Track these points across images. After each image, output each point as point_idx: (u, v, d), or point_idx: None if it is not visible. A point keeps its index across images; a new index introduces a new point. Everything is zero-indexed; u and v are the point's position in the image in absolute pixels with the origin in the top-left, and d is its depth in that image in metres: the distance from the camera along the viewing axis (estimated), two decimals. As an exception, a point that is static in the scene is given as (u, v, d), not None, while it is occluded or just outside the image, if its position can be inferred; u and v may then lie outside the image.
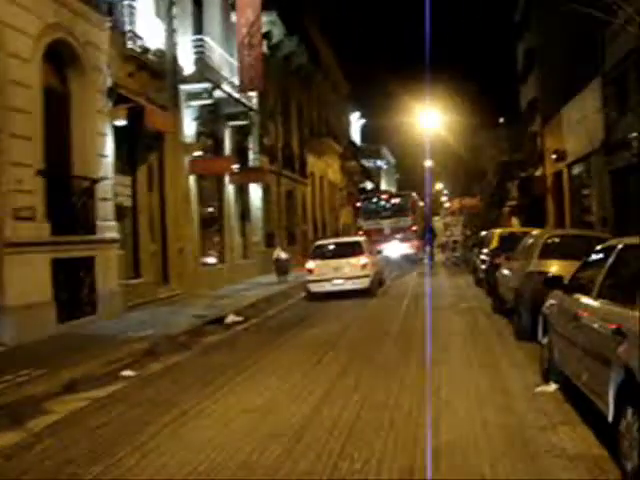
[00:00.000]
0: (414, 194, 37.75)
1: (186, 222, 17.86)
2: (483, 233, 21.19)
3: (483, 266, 16.63)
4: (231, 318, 13.93)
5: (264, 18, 25.35)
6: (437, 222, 37.34)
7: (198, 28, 19.91)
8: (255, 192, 25.00)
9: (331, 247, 18.89)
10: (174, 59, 17.55)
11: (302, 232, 33.51)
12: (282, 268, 21.76)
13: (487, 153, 56.06)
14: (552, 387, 6.59)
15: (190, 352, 10.37)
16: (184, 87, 17.86)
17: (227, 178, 21.47)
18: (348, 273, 17.17)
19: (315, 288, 17.44)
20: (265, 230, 26.15)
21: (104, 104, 13.58)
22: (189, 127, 18.32)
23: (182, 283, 17.35)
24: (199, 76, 17.77)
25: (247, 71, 19.80)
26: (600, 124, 20.36)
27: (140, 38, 15.44)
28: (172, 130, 15.05)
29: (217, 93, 18.57)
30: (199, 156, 18.36)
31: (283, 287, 20.08)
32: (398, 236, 33.45)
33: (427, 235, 31.74)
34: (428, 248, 31.04)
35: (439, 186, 77.69)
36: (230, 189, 21.90)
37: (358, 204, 38.03)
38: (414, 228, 34.06)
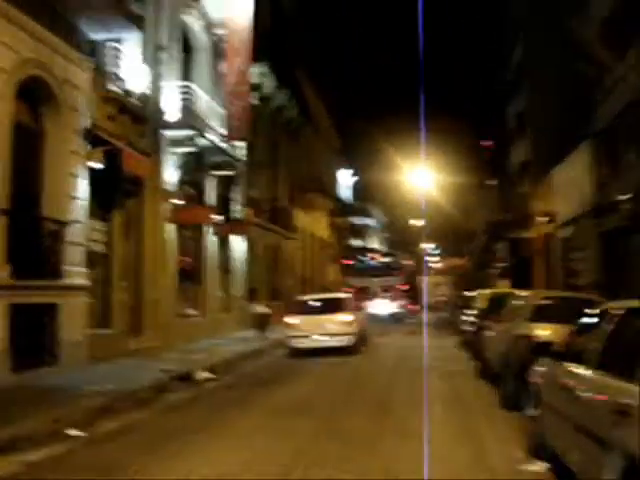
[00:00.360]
0: (406, 256, 39.55)
1: (163, 271, 17.18)
2: (469, 294, 20.63)
3: (469, 328, 15.99)
4: (201, 374, 13.14)
5: (256, 69, 25.30)
6: (425, 282, 36.88)
7: (186, 75, 19.71)
8: (238, 245, 24.40)
9: (315, 303, 18.56)
10: (157, 104, 17.20)
11: (288, 287, 32.80)
12: (262, 323, 21.01)
13: (478, 213, 56.13)
14: (541, 465, 5.89)
15: (149, 411, 9.58)
16: (167, 133, 17.44)
17: (210, 229, 20.91)
18: (332, 330, 16.75)
19: (296, 344, 17.06)
20: (248, 284, 25.43)
21: (79, 145, 13.09)
22: (171, 174, 17.84)
23: (156, 335, 16.55)
24: (183, 122, 17.40)
25: (234, 120, 19.47)
26: (590, 186, 20.07)
27: (122, 81, 15.11)
28: (149, 175, 14.55)
29: (201, 141, 18.18)
30: (179, 205, 17.82)
31: (262, 343, 19.30)
32: (387, 294, 34.65)
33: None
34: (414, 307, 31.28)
35: (430, 246, 77.52)
36: (212, 240, 21.31)
37: (350, 262, 39.54)
38: (402, 287, 35.21)
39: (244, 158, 24.14)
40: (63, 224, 12.43)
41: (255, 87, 25.95)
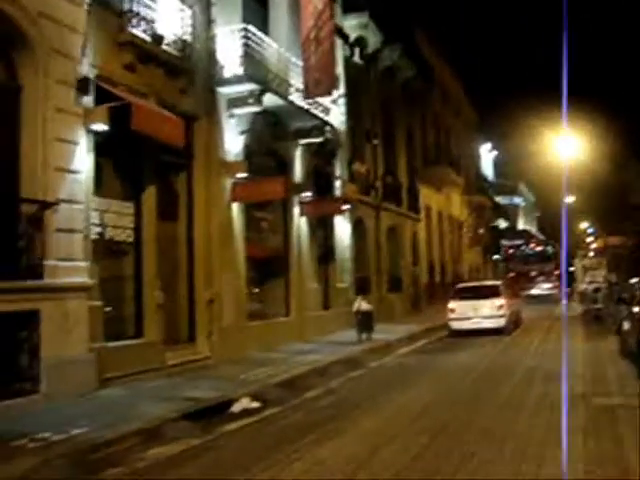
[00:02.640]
0: (557, 245, 43.56)
1: (225, 263, 13.80)
2: (634, 280, 15.30)
3: (636, 332, 11.08)
4: (242, 404, 9.55)
5: (353, 21, 21.53)
6: (577, 265, 31.23)
7: (264, 30, 16.19)
8: (342, 228, 20.61)
9: (472, 289, 20.89)
10: (210, 55, 13.78)
11: (412, 276, 28.60)
12: (364, 323, 17.10)
13: (638, 188, 49.08)
14: None
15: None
16: (223, 90, 13.99)
17: (296, 209, 17.33)
18: (486, 313, 18.73)
19: (456, 325, 19.17)
20: (356, 274, 21.61)
21: (72, 101, 9.91)
22: (233, 142, 14.39)
23: (215, 343, 13.22)
24: (242, 75, 13.85)
25: (312, 71, 15.63)
26: None
27: (150, 23, 11.80)
28: (179, 142, 11.13)
29: (272, 99, 14.55)
30: (244, 178, 14.33)
31: (360, 349, 15.43)
32: (542, 278, 41.32)
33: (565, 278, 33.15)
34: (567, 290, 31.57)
35: (583, 225, 69.31)
36: (302, 223, 17.69)
37: (511, 251, 46.46)
38: (556, 272, 40.49)
39: (343, 125, 20.30)
40: (47, 205, 9.30)
41: (357, 42, 22.10)
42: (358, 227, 22.53)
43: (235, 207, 14.38)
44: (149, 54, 11.71)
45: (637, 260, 29.81)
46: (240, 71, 13.93)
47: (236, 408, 9.41)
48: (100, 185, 10.90)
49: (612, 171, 49.00)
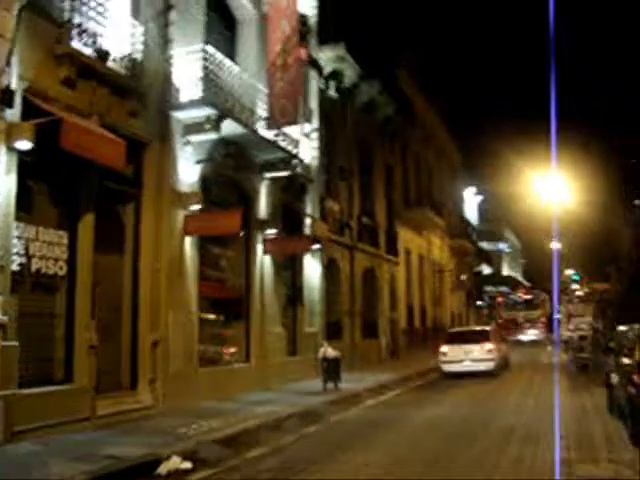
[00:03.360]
0: (544, 293, 46.86)
1: (172, 302, 12.53)
2: (622, 329, 14.18)
3: (625, 386, 9.88)
4: (170, 464, 8.21)
5: (329, 53, 20.75)
6: (562, 311, 30.17)
7: (230, 55, 15.29)
8: (312, 268, 19.39)
9: (462, 334, 21.86)
10: (165, 77, 12.75)
11: (390, 321, 27.35)
12: (331, 371, 15.78)
13: (624, 234, 48.61)
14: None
15: None
16: (178, 115, 12.94)
17: (259, 246, 16.16)
18: (477, 357, 19.49)
19: (447, 368, 19.78)
20: (327, 318, 20.32)
21: (-12, 114, 8.79)
22: (188, 171, 13.28)
23: (159, 391, 11.86)
24: (199, 100, 12.81)
25: (278, 98, 14.62)
26: None
27: (94, 36, 10.78)
28: (119, 165, 9.95)
29: (230, 126, 13.48)
30: (199, 210, 13.18)
31: (322, 400, 14.06)
32: (529, 325, 44.26)
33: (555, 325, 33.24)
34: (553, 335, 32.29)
35: (568, 271, 68.50)
36: (266, 261, 16.48)
37: (501, 300, 49.10)
38: (542, 320, 43.87)
39: (315, 160, 19.29)
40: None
41: (332, 75, 21.33)
42: (331, 268, 21.36)
43: (188, 241, 13.17)
44: (91, 70, 10.64)
45: (624, 307, 28.76)
46: (197, 95, 12.90)
47: (162, 469, 8.08)
48: (27, 210, 9.72)
49: (597, 216, 48.43)
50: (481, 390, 16.58)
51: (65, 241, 10.41)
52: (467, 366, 19.35)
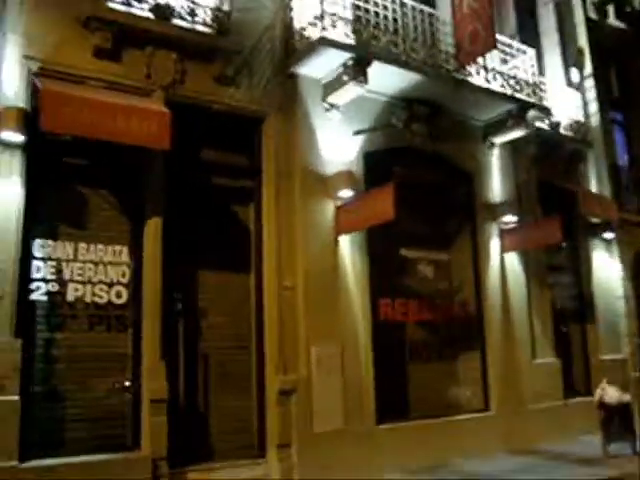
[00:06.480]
0: None
1: (315, 332, 8.84)
2: None
3: None
4: None
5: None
6: None
7: None
8: (607, 266, 13.64)
9: None
10: (282, 20, 9.34)
11: None
12: (616, 426, 10.05)
13: None
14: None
15: None
16: (308, 72, 9.34)
17: (493, 243, 11.44)
18: None
19: None
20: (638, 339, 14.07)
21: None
22: (337, 146, 9.55)
23: (293, 459, 8.26)
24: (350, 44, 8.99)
25: (466, 24, 9.78)
26: None
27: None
28: (160, 143, 6.75)
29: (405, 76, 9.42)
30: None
31: (597, 473, 8.72)
32: None
33: None
34: None
35: None
36: (508, 264, 11.53)
37: None
38: None
39: (595, 116, 13.80)
40: None
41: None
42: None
43: (347, 243, 9.40)
44: (144, 33, 7.89)
45: None
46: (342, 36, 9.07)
47: None
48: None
49: None
50: None
51: (124, 258, 7.73)
52: None
